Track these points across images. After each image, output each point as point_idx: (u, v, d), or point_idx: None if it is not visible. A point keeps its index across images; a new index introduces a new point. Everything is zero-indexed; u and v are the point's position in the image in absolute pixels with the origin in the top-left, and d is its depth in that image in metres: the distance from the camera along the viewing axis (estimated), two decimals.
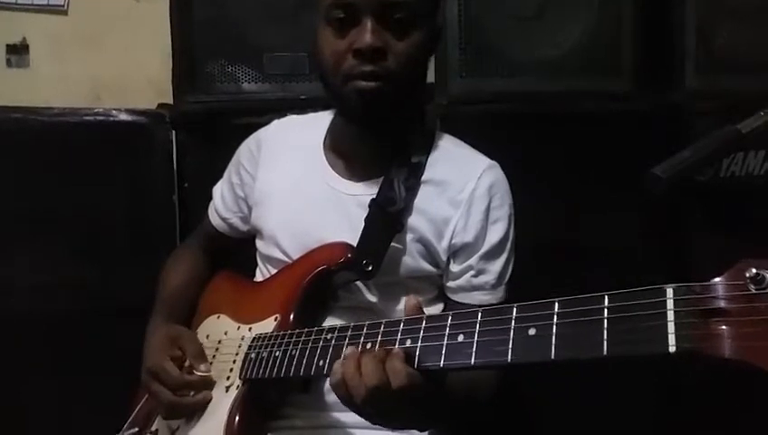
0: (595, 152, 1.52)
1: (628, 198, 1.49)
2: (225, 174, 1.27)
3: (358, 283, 1.08)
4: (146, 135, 1.53)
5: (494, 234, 1.08)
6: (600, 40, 1.54)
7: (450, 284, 1.09)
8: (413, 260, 1.07)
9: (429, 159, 1.11)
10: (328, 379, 1.02)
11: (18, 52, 1.82)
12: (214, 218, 1.28)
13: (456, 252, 1.08)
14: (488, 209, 1.08)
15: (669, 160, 0.84)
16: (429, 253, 1.08)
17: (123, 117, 1.52)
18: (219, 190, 1.28)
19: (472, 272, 1.08)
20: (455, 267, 1.09)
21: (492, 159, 1.13)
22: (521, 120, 1.53)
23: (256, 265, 1.21)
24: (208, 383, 1.06)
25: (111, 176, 1.51)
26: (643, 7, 1.56)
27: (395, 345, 0.81)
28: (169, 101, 1.60)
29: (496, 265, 1.08)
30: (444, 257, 1.08)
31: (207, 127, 1.55)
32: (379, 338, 0.84)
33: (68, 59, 1.82)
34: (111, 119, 1.51)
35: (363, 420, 1.02)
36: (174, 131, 1.55)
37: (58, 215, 1.48)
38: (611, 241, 1.51)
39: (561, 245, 1.50)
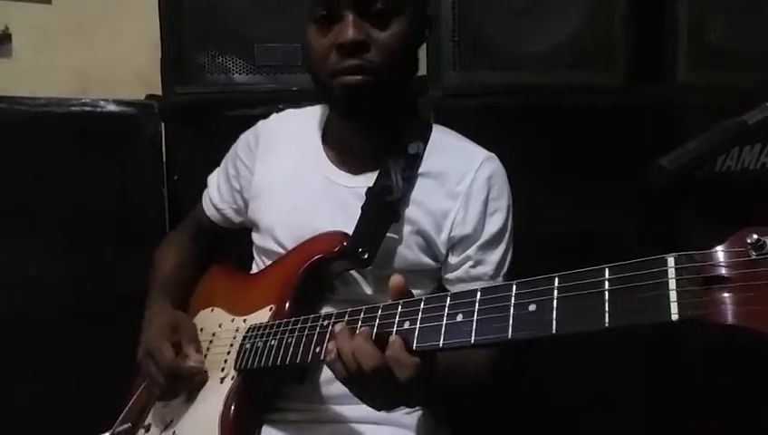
0: (587, 146, 1.53)
1: (620, 191, 1.50)
2: (222, 163, 1.25)
3: (355, 274, 1.07)
4: (134, 127, 1.48)
5: (493, 224, 1.08)
6: (592, 34, 1.55)
7: (449, 275, 1.08)
8: (411, 253, 1.06)
9: (426, 150, 1.10)
10: (324, 370, 1.02)
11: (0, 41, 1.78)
12: (207, 208, 1.26)
13: (454, 244, 1.07)
14: (487, 200, 1.07)
15: (675, 152, 0.83)
16: (428, 246, 1.07)
17: (111, 108, 1.47)
18: (215, 179, 1.26)
19: (470, 262, 1.07)
20: (453, 259, 1.08)
21: None
22: (513, 113, 1.53)
23: (252, 259, 1.19)
24: (197, 375, 1.04)
25: (99, 168, 1.47)
26: (636, 1, 1.57)
27: (393, 329, 0.80)
28: (157, 92, 1.56)
29: (494, 256, 1.08)
30: (443, 250, 1.07)
31: (197, 118, 1.51)
32: (377, 322, 0.82)
33: (52, 49, 1.78)
34: (99, 110, 1.47)
35: (359, 413, 1.01)
36: (163, 123, 1.51)
37: (44, 208, 1.43)
38: (604, 234, 1.51)
39: (553, 237, 1.49)
